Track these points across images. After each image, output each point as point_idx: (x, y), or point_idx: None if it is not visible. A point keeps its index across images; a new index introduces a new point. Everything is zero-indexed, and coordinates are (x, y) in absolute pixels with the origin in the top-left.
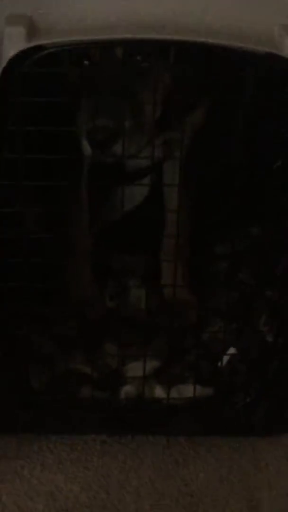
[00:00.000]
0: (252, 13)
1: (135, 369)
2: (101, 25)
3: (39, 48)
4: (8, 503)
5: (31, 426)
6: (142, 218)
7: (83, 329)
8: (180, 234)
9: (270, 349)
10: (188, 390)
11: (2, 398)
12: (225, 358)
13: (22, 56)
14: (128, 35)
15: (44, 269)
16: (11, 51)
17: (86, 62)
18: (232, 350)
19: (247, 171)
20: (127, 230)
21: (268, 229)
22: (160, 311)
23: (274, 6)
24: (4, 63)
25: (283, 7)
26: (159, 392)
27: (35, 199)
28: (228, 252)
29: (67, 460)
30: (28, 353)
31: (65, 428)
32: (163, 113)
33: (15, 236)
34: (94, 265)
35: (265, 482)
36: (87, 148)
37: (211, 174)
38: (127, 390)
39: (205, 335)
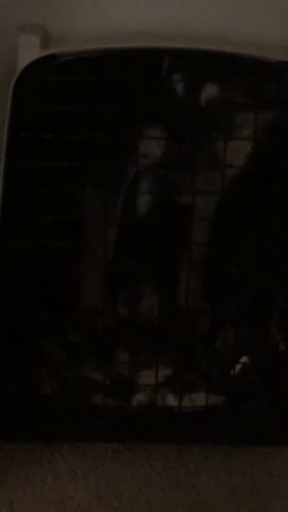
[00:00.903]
0: (265, 21)
1: (147, 377)
2: (116, 34)
3: (53, 57)
4: (19, 511)
5: (43, 433)
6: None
7: (95, 336)
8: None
9: (282, 357)
10: (200, 399)
11: (14, 406)
12: (238, 367)
13: (36, 65)
14: (143, 44)
15: (56, 276)
16: (25, 60)
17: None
18: (244, 359)
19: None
20: (142, 236)
21: (279, 236)
22: (173, 318)
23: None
24: (18, 72)
25: None
26: (171, 400)
27: (49, 207)
28: (240, 259)
29: (78, 468)
30: (40, 360)
31: (76, 436)
32: None
33: (28, 243)
34: (108, 272)
35: (277, 491)
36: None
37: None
38: (139, 398)
39: (217, 343)
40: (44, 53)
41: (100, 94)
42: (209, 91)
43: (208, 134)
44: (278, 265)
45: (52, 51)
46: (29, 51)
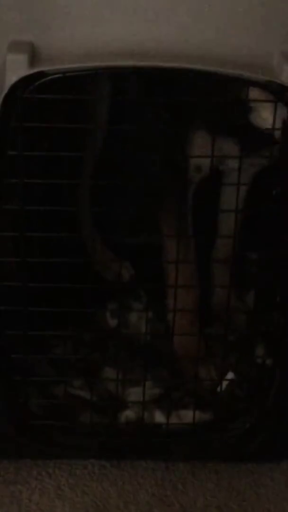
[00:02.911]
0: (251, 41)
1: (135, 394)
2: (104, 52)
3: (41, 74)
4: None
5: (30, 451)
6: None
7: (82, 353)
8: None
9: (269, 374)
10: (187, 416)
11: (0, 423)
12: (224, 384)
13: (24, 83)
14: (131, 62)
15: (42, 292)
16: (13, 78)
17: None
18: (230, 375)
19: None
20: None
21: (265, 255)
22: (162, 337)
23: (273, 33)
24: (6, 89)
25: (282, 34)
26: (159, 417)
27: (36, 224)
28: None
29: (65, 486)
30: (26, 378)
31: (64, 453)
32: None
33: (14, 260)
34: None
35: (264, 508)
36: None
37: None
38: (127, 415)
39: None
40: (32, 70)
41: (88, 111)
42: None
43: None
44: (264, 282)
45: (40, 68)
46: (17, 69)
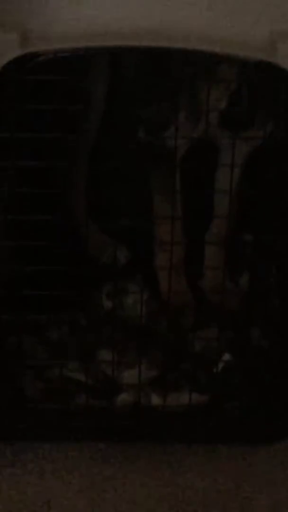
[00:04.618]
0: (244, 20)
1: (131, 376)
2: (96, 32)
3: (33, 55)
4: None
5: (26, 434)
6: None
7: (78, 335)
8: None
9: (264, 356)
10: (184, 398)
11: None
12: (221, 365)
13: (16, 64)
14: (125, 43)
15: (37, 276)
16: (4, 59)
17: None
18: (227, 357)
19: None
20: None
21: (262, 237)
22: (157, 317)
23: (268, 12)
24: None
25: (276, 13)
26: (155, 399)
27: (32, 206)
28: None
29: (62, 468)
30: (21, 361)
31: (60, 436)
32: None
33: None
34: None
35: (262, 489)
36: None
37: None
38: (123, 397)
39: (201, 342)
40: (23, 51)
41: (80, 93)
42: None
43: None
44: (261, 264)
45: (31, 49)
46: (8, 50)
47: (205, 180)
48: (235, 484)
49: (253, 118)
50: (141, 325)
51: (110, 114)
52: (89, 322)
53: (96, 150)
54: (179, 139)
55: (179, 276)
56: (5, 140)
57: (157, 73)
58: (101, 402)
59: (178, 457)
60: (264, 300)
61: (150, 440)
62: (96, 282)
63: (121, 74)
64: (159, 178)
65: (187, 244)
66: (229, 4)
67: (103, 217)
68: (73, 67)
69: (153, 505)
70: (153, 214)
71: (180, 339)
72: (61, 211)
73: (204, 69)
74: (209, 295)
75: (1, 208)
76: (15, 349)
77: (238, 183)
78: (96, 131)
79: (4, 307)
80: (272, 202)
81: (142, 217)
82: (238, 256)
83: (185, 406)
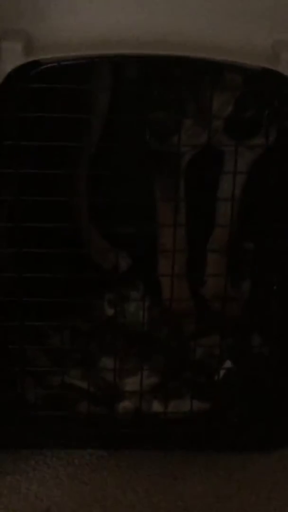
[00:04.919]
0: (247, 29)
1: (132, 383)
2: (100, 41)
3: (36, 63)
4: None
5: (28, 441)
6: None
7: (79, 342)
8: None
9: (265, 363)
10: (185, 405)
11: None
12: (222, 372)
13: (19, 72)
14: (127, 51)
15: (39, 283)
16: (8, 67)
17: None
18: (228, 364)
19: None
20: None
21: (262, 244)
22: (159, 324)
23: (270, 21)
24: (1, 79)
25: (280, 22)
26: (156, 406)
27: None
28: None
29: (64, 475)
30: (23, 368)
31: (61, 443)
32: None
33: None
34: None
35: (262, 497)
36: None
37: None
38: (125, 405)
39: (202, 349)
40: (27, 59)
41: (86, 101)
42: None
43: None
44: (261, 271)
45: (35, 57)
46: (12, 58)
47: (209, 187)
48: (236, 491)
49: (257, 126)
50: (143, 332)
51: (113, 121)
52: (91, 329)
53: (99, 156)
54: (185, 146)
55: (181, 283)
56: (8, 148)
57: (161, 80)
58: (102, 409)
59: (179, 464)
60: (265, 308)
61: (151, 447)
62: (98, 289)
63: (125, 81)
64: (163, 184)
65: (189, 251)
66: (232, 12)
67: (105, 224)
68: (76, 75)
69: None
70: (157, 221)
71: (181, 346)
72: (63, 218)
73: (208, 77)
74: (210, 302)
75: (4, 215)
76: (16, 356)
77: (241, 191)
78: (99, 138)
79: (6, 314)
80: (274, 210)
81: (145, 224)
82: (239, 263)
83: (186, 413)
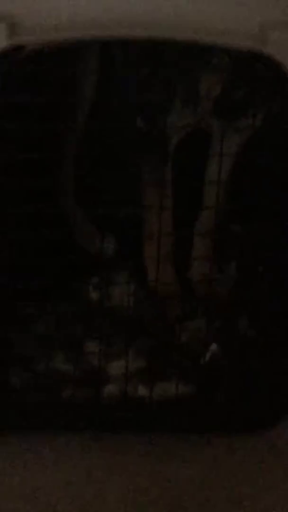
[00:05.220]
0: (236, 9)
1: (118, 367)
2: (86, 23)
3: (21, 47)
4: None
5: (13, 425)
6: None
7: (65, 327)
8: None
9: (252, 345)
10: (171, 388)
11: None
12: (208, 355)
13: (3, 55)
14: (114, 33)
15: (24, 267)
16: None
17: None
18: (214, 347)
19: None
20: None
21: (249, 228)
22: (145, 308)
23: (259, 2)
24: None
25: (267, 3)
26: (142, 390)
27: (21, 200)
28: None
29: (49, 460)
30: (8, 352)
31: (47, 427)
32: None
33: None
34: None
35: (247, 478)
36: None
37: None
38: (110, 388)
39: (188, 332)
40: (11, 43)
41: (69, 84)
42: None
43: None
44: (248, 254)
45: (19, 41)
46: None
47: (197, 170)
48: (222, 473)
49: (244, 106)
50: (128, 316)
51: (100, 103)
52: (76, 313)
53: (86, 139)
54: (174, 127)
55: (167, 266)
56: None
57: (148, 62)
58: (88, 393)
59: (165, 448)
60: (252, 291)
61: (137, 430)
62: (84, 273)
63: (112, 64)
64: (151, 168)
65: (176, 234)
66: None
67: (91, 207)
68: (62, 58)
69: (140, 495)
70: (143, 204)
71: (167, 329)
72: (49, 202)
73: (196, 58)
74: (196, 285)
75: None
76: (1, 341)
77: (229, 173)
78: (86, 121)
79: None
80: (261, 192)
81: (131, 207)
82: (226, 246)
83: (172, 396)
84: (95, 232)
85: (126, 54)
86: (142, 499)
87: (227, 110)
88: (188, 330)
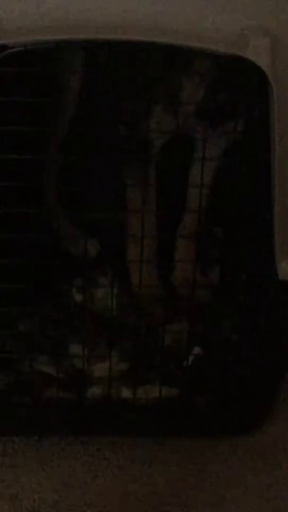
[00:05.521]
0: (216, 14)
1: (101, 369)
2: (69, 25)
3: (3, 47)
4: None
5: None
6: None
7: (48, 329)
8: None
9: (234, 349)
10: (154, 391)
11: None
12: (191, 358)
13: None
14: (96, 36)
15: (7, 268)
16: None
17: None
18: (197, 350)
19: None
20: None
21: (233, 233)
22: (128, 311)
23: (240, 7)
24: None
25: (248, 9)
26: (125, 393)
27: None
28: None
29: (33, 462)
30: None
31: (30, 429)
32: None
33: None
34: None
35: (230, 481)
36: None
37: None
38: (93, 391)
39: (171, 335)
40: None
41: (51, 86)
42: None
43: None
44: (232, 259)
45: (2, 41)
46: None
47: (180, 173)
48: (205, 476)
49: (226, 111)
50: (112, 318)
51: (84, 106)
52: (59, 315)
53: (69, 141)
54: (156, 132)
55: (150, 269)
56: None
57: (131, 66)
58: (71, 395)
59: (149, 450)
60: (234, 294)
61: (120, 433)
62: (67, 275)
63: (95, 66)
64: (134, 171)
65: (159, 237)
66: None
67: (74, 210)
68: (44, 59)
69: (122, 497)
70: (126, 207)
71: (150, 332)
72: (32, 203)
73: (178, 62)
74: (179, 288)
75: None
76: None
77: (212, 177)
78: (68, 123)
79: None
80: (243, 196)
81: (114, 210)
82: (209, 250)
83: (155, 399)
84: (79, 234)
85: (107, 57)
86: (124, 502)
87: (209, 114)
88: (171, 333)
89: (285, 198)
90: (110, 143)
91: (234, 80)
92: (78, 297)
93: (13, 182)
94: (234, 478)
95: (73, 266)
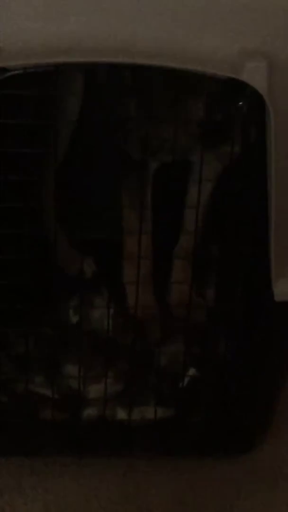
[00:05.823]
0: (212, 37)
1: (96, 391)
2: (69, 48)
3: (2, 70)
4: None
5: None
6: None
7: (44, 349)
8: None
9: (230, 369)
10: (149, 412)
11: None
12: (186, 379)
13: None
14: (94, 59)
15: (3, 289)
16: None
17: None
18: (192, 371)
19: None
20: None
21: (229, 253)
22: (123, 331)
23: (236, 31)
24: None
25: (245, 32)
26: (120, 413)
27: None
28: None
29: (26, 483)
30: None
31: (25, 451)
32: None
33: None
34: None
35: (226, 503)
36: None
37: None
38: (89, 412)
39: (167, 356)
40: None
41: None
42: None
43: None
44: (225, 278)
45: (1, 64)
46: None
47: (177, 195)
48: (201, 498)
49: (223, 133)
50: (108, 339)
51: (82, 127)
52: (55, 335)
53: (67, 163)
54: (154, 153)
55: (146, 290)
56: None
57: (130, 89)
58: (66, 416)
59: (143, 472)
60: (230, 315)
61: (115, 454)
62: (63, 295)
63: (94, 88)
64: (130, 192)
65: (155, 258)
66: (198, 22)
67: (71, 230)
68: (43, 82)
69: None
70: (123, 228)
71: (146, 353)
72: (30, 224)
73: (176, 84)
74: (175, 309)
75: None
76: None
77: (209, 198)
78: (67, 144)
79: None
80: (239, 217)
81: (111, 230)
82: (205, 271)
83: (150, 420)
84: (74, 254)
85: (108, 80)
86: None
87: (206, 136)
88: (166, 354)
89: (281, 218)
90: (107, 163)
91: (230, 102)
92: (74, 318)
93: (10, 202)
94: (229, 499)
95: (69, 286)
